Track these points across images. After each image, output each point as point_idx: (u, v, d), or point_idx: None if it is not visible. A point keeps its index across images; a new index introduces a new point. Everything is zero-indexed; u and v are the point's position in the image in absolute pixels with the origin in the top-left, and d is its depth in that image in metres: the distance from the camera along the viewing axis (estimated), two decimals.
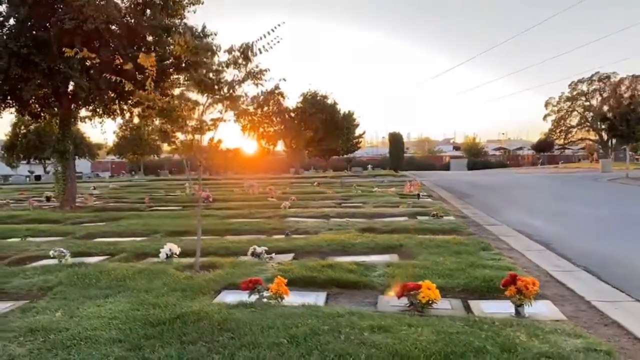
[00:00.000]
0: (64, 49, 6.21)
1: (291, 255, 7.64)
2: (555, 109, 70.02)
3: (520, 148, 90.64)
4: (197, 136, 6.42)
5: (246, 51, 6.14)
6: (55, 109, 16.21)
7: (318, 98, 55.26)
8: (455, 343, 3.78)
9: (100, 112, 17.95)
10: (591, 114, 67.23)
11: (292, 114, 55.56)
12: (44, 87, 14.59)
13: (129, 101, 17.67)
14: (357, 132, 59.40)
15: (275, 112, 51.64)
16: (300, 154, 60.21)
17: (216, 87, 6.13)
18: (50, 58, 14.07)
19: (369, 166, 60.76)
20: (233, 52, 6.09)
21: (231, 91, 6.28)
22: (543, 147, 74.18)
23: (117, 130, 59.78)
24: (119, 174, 65.92)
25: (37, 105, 17.26)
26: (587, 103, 68.08)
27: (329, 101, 54.78)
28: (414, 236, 8.70)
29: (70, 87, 15.79)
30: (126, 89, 6.37)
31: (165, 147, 66.44)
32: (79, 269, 6.62)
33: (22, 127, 55.34)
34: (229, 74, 6.18)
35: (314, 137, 55.16)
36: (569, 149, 77.12)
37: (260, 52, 6.21)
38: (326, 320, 4.32)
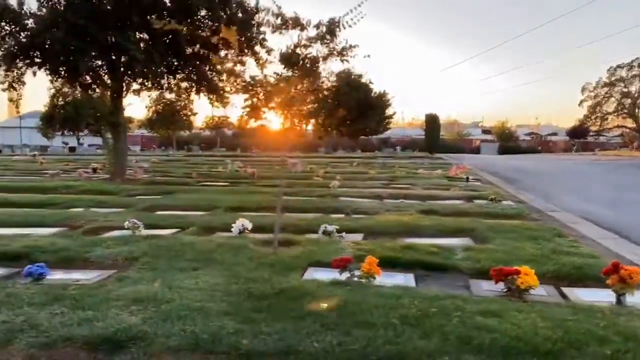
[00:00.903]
0: (151, 20, 6.18)
1: (360, 235, 7.61)
2: (592, 94, 68.18)
3: (555, 134, 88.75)
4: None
5: (333, 26, 6.03)
6: (109, 81, 16.34)
7: (352, 77, 54.73)
8: (574, 331, 3.71)
9: (149, 85, 18.11)
10: (629, 100, 65.26)
11: (326, 93, 55.18)
12: (99, 59, 14.72)
13: (177, 75, 17.82)
14: (388, 112, 58.84)
15: (310, 90, 51.49)
16: (330, 134, 60.05)
17: (301, 63, 6.05)
18: (106, 30, 14.19)
19: (397, 147, 60.23)
20: (321, 27, 5.99)
21: (314, 67, 6.19)
22: (578, 133, 72.42)
23: (150, 105, 59.86)
24: (150, 148, 66.45)
25: (88, 77, 17.49)
26: (626, 89, 66.05)
27: (363, 80, 54.21)
28: (483, 220, 8.59)
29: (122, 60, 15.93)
30: (213, 61, 6.29)
31: (197, 123, 66.87)
32: (159, 241, 6.72)
33: (60, 99, 56.11)
34: (314, 50, 6.08)
35: (348, 116, 54.84)
36: (603, 136, 75.18)
37: (345, 28, 6.10)
38: (430, 302, 4.29)
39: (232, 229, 7.45)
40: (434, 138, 45.81)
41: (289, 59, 6.04)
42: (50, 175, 18.01)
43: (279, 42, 6.08)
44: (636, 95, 64.48)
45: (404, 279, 5.26)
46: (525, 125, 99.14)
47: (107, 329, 3.74)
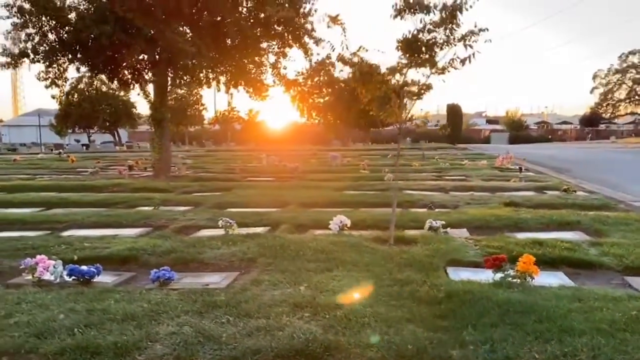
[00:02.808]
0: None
1: (463, 229, 7.28)
2: (604, 82, 67.33)
3: (565, 122, 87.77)
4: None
5: (454, 10, 5.66)
6: (153, 75, 16.01)
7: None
8: None
9: (187, 80, 17.83)
10: None
11: (342, 85, 54.73)
12: (146, 53, 14.39)
13: (217, 69, 17.48)
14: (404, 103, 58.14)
15: (326, 82, 50.97)
16: (338, 126, 59.56)
17: (423, 48, 5.68)
18: (153, 23, 13.86)
19: (408, 139, 59.55)
20: (444, 11, 5.61)
21: (431, 54, 5.83)
22: (593, 121, 71.57)
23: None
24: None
25: (126, 72, 17.18)
26: (638, 76, 65.19)
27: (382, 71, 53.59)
28: (578, 212, 8.23)
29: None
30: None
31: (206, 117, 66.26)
32: (262, 240, 6.41)
33: (76, 96, 55.71)
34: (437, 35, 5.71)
35: (366, 108, 54.22)
36: (615, 123, 74.32)
37: (467, 10, 5.74)
38: (621, 303, 3.95)
39: (329, 226, 7.13)
40: (456, 129, 45.24)
41: (410, 44, 5.65)
42: (90, 173, 17.75)
43: (402, 27, 5.68)
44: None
45: (558, 278, 4.92)
46: (528, 115, 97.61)
47: (294, 339, 3.44)
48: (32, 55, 14.74)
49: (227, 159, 26.19)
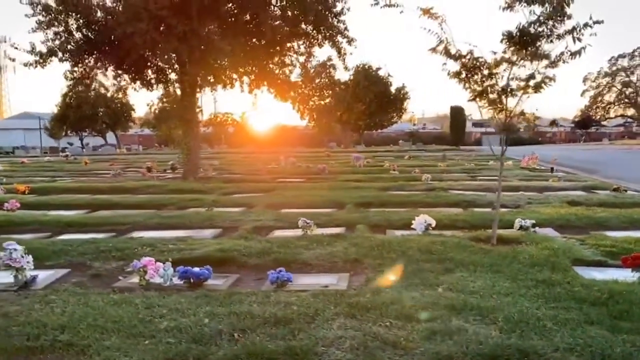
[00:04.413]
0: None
1: (548, 228, 7.11)
2: (594, 84, 67.86)
3: (555, 123, 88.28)
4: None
5: (563, 2, 5.48)
6: (182, 75, 15.70)
7: (371, 71, 54.10)
8: None
9: (211, 80, 17.51)
10: (630, 89, 65.15)
11: (342, 87, 54.54)
12: (178, 52, 14.08)
13: (243, 69, 17.19)
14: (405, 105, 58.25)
15: (327, 84, 50.74)
16: (333, 129, 59.45)
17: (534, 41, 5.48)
18: (187, 21, 13.59)
19: (400, 141, 59.48)
20: (554, 3, 5.42)
21: (537, 47, 5.63)
22: (586, 123, 71.83)
23: (150, 103, 57.82)
24: (152, 146, 64.37)
25: (150, 72, 16.88)
26: (627, 79, 65.86)
27: (381, 73, 53.56)
28: None
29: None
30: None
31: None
32: (360, 240, 6.20)
33: (73, 98, 54.71)
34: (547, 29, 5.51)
35: (366, 110, 54.26)
36: (604, 126, 74.76)
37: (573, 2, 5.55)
38: None
39: (412, 226, 6.92)
40: (459, 131, 45.19)
41: (521, 37, 5.45)
42: (113, 175, 17.38)
43: (510, 19, 5.47)
44: (638, 84, 64.30)
45: None
46: None
47: (481, 343, 3.22)
48: (60, 54, 14.39)
49: (238, 161, 25.83)
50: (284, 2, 14.76)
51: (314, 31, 15.58)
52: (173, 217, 8.52)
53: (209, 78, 17.35)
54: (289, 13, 15.24)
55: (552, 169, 15.73)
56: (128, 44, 13.91)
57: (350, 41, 15.06)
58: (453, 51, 5.61)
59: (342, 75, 51.41)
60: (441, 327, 3.49)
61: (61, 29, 14.60)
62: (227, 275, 5.22)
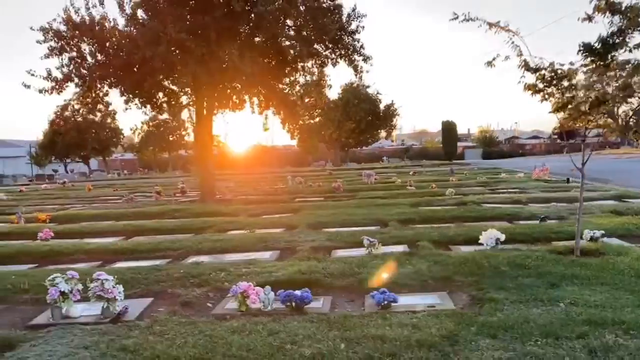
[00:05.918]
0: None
1: (613, 238, 7.12)
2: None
3: (536, 136, 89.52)
4: None
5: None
6: (196, 98, 15.55)
7: (360, 89, 54.31)
8: None
9: (229, 102, 17.34)
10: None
11: (332, 105, 54.67)
12: (197, 75, 13.94)
13: (253, 90, 17.07)
14: (394, 122, 58.57)
15: (316, 103, 50.81)
16: (315, 147, 59.51)
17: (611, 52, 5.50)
18: (205, 43, 13.50)
19: (384, 157, 59.70)
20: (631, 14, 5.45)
21: (612, 58, 5.66)
22: (570, 134, 72.59)
23: (134, 127, 57.14)
24: (136, 170, 63.55)
25: (161, 96, 16.71)
26: (603, 90, 67.20)
27: (370, 91, 53.82)
28: None
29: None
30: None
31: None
32: (437, 257, 6.09)
33: (62, 124, 53.89)
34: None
35: (355, 128, 54.44)
36: (585, 136, 75.72)
37: None
38: None
39: (480, 241, 6.84)
40: (452, 145, 45.51)
41: (603, 48, 5.45)
42: (125, 201, 17.06)
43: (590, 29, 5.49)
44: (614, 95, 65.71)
45: None
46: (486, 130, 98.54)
47: None
48: (76, 80, 14.19)
49: (243, 183, 25.59)
50: (300, 22, 14.74)
51: (329, 50, 15.58)
52: (221, 240, 8.32)
53: (224, 101, 17.21)
54: (304, 33, 15.24)
55: (567, 179, 15.81)
56: (146, 68, 13.78)
57: (366, 59, 15.09)
58: (532, 64, 5.59)
59: (332, 93, 51.62)
60: (597, 343, 3.39)
61: (74, 54, 14.43)
62: (317, 297, 5.06)
